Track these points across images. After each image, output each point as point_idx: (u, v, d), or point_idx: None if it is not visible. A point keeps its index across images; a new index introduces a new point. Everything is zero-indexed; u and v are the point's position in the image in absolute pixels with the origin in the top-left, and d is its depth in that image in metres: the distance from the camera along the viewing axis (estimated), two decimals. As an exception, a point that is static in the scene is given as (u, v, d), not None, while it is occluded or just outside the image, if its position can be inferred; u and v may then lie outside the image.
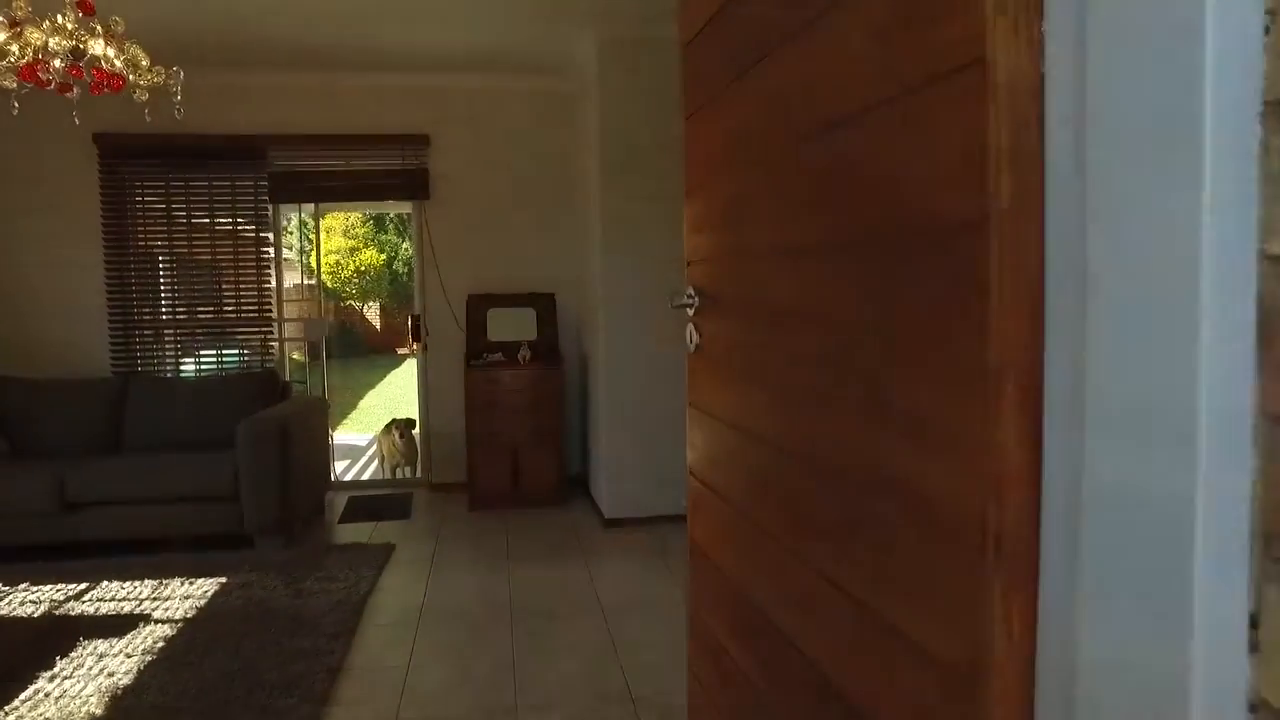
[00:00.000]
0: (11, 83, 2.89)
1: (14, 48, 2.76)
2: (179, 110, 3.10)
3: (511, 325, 5.28)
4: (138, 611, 3.57)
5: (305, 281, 16.50)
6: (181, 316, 5.36)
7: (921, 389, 0.86)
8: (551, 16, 4.32)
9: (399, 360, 16.29)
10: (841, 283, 1.00)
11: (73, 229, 5.11)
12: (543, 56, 5.01)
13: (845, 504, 1.02)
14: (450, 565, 4.12)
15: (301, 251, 13.22)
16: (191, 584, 3.85)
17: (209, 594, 3.72)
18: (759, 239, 1.25)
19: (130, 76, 2.86)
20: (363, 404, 11.78)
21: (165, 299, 5.34)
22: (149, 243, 5.25)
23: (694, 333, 1.54)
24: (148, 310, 5.28)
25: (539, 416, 5.03)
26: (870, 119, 0.92)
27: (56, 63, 2.78)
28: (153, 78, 2.99)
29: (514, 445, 5.03)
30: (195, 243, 5.32)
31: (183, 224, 5.27)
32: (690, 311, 1.53)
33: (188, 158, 5.13)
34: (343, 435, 8.97)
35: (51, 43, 2.64)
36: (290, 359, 5.97)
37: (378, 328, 19.05)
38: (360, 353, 17.93)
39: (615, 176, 4.55)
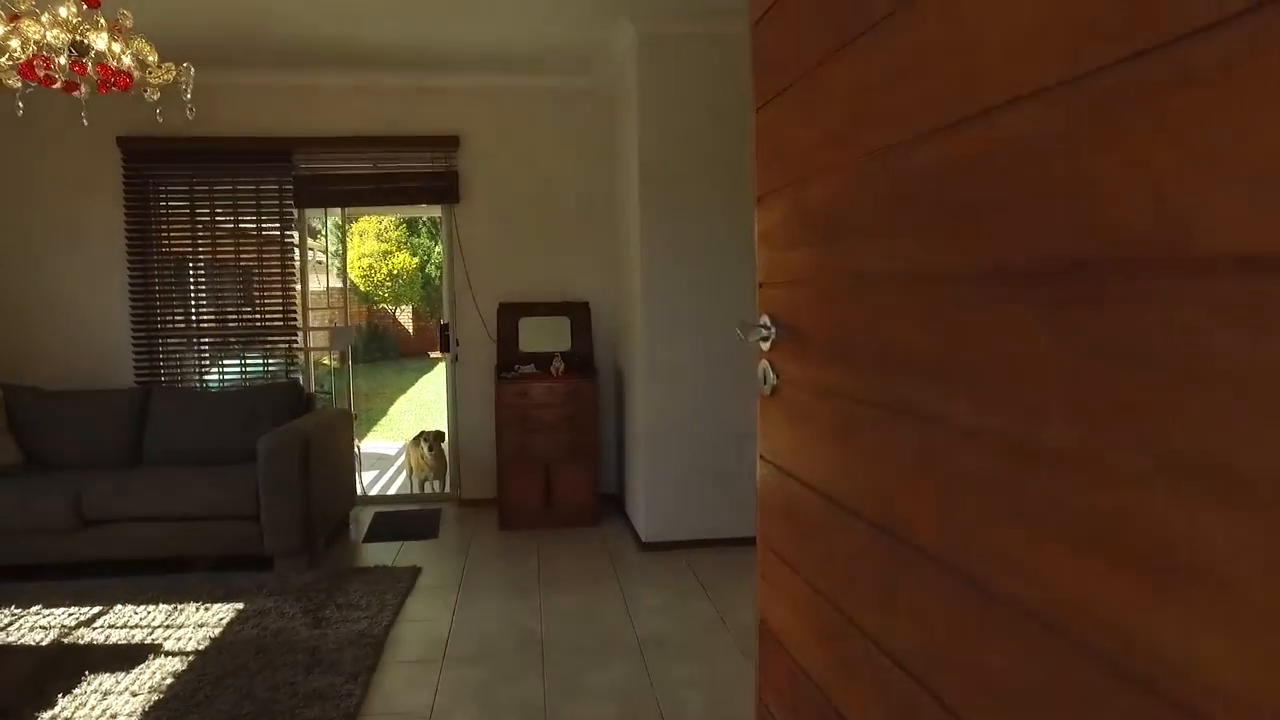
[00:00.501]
0: (15, 81, 2.70)
1: (14, 43, 2.56)
2: (190, 110, 2.89)
3: (544, 335, 5.03)
4: (149, 641, 3.37)
5: (337, 284, 16.54)
6: (205, 324, 5.19)
7: (1208, 514, 0.54)
8: (588, 11, 4.06)
9: (431, 364, 16.19)
10: (1026, 329, 0.70)
11: (96, 235, 4.97)
12: (578, 53, 4.76)
13: (1016, 656, 0.72)
14: (478, 592, 3.88)
15: (333, 254, 13.11)
16: (207, 610, 3.65)
17: (224, 622, 3.51)
18: (869, 260, 0.96)
19: (137, 74, 2.65)
20: (393, 410, 11.65)
21: (189, 306, 5.17)
22: (173, 249, 5.09)
23: (769, 370, 1.26)
24: (171, 318, 5.12)
25: (573, 432, 4.78)
26: (1096, 88, 0.62)
27: (61, 59, 2.58)
28: (163, 75, 2.78)
29: (546, 462, 4.78)
30: (219, 248, 5.15)
31: (206, 229, 5.10)
32: (765, 345, 1.25)
33: (212, 161, 4.96)
34: (372, 443, 8.81)
35: (49, 36, 2.43)
36: (319, 364, 5.77)
37: (410, 331, 19.01)
38: (392, 356, 17.89)
39: (655, 179, 4.28)
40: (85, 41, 2.54)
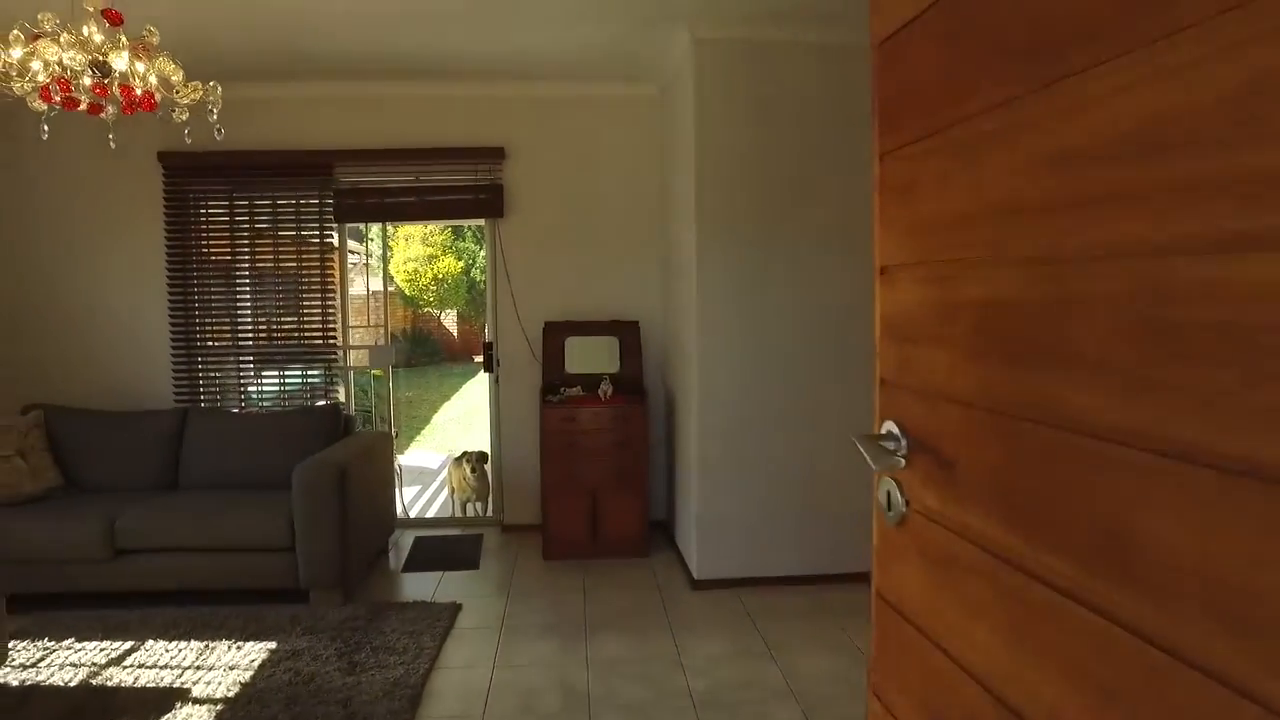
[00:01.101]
0: (39, 104, 2.55)
1: (34, 65, 2.40)
2: (219, 130, 2.71)
3: (592, 356, 4.80)
4: (177, 684, 3.21)
5: (379, 288, 16.57)
6: (245, 341, 5.06)
7: None
8: (641, 16, 3.81)
9: (475, 368, 16.10)
10: None
11: (137, 252, 4.88)
12: (630, 61, 4.52)
13: None
14: (521, 634, 3.65)
15: (379, 258, 13.09)
16: (239, 649, 3.49)
17: (255, 664, 3.34)
18: (1083, 408, 0.69)
19: (158, 95, 2.47)
20: (437, 418, 11.55)
21: (229, 323, 5.05)
22: (212, 265, 4.98)
23: (896, 493, 0.99)
24: (210, 335, 5.01)
25: (621, 459, 4.53)
26: None
27: (86, 80, 2.42)
28: (190, 94, 2.61)
29: (593, 489, 4.55)
30: (259, 264, 5.02)
31: (246, 245, 4.98)
32: (901, 461, 0.97)
33: (251, 175, 4.83)
34: (414, 456, 8.69)
35: (66, 58, 2.26)
36: (360, 369, 5.62)
37: (455, 335, 18.99)
38: (437, 361, 17.88)
39: (711, 193, 4.01)
40: (106, 62, 2.36)
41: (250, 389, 5.14)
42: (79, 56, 2.29)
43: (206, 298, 4.96)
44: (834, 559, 4.19)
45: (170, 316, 4.89)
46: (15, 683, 3.28)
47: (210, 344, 5.00)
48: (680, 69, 4.29)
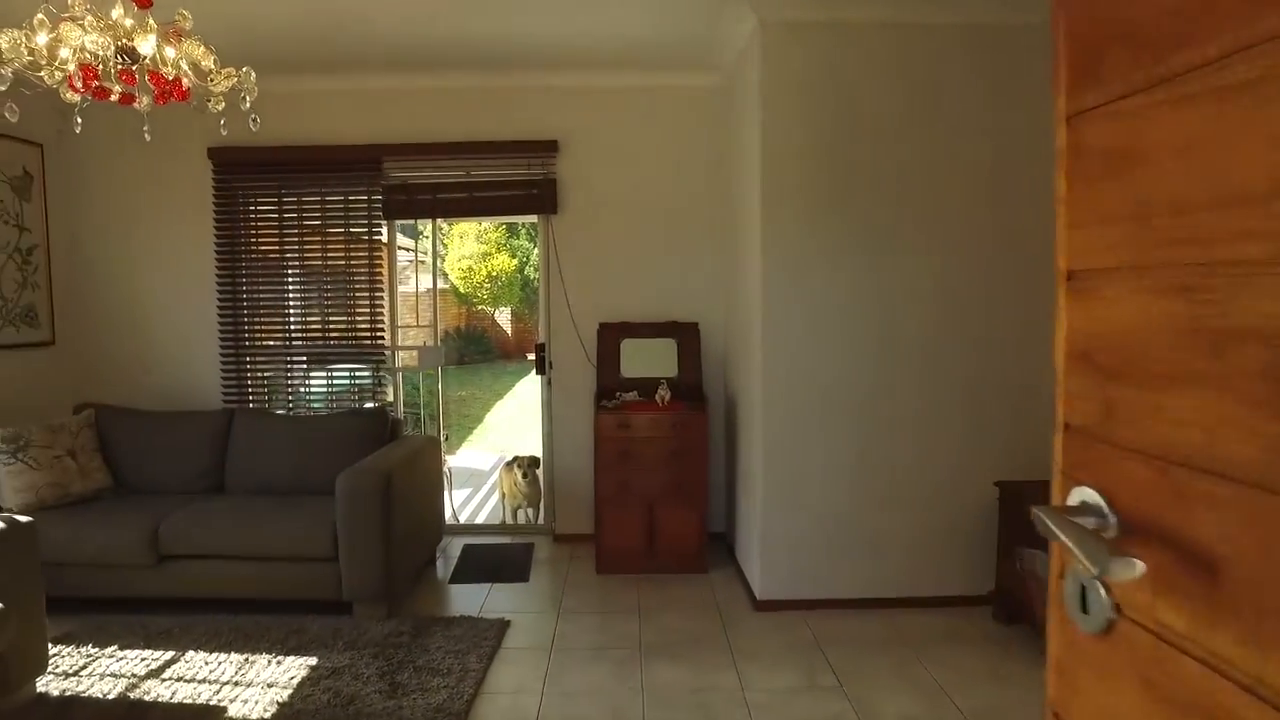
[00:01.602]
0: (73, 95, 2.41)
1: (63, 52, 2.25)
2: (254, 120, 2.54)
3: (649, 359, 4.56)
4: (215, 700, 3.07)
5: (431, 286, 16.60)
6: (292, 342, 4.96)
7: None
8: (704, -6, 3.55)
9: (528, 367, 16.03)
10: None
11: (188, 250, 4.81)
12: (690, 47, 4.26)
13: None
14: (572, 657, 3.43)
15: (427, 254, 13.08)
16: (279, 664, 3.34)
17: (294, 682, 3.18)
18: None
19: (186, 81, 2.30)
20: (489, 418, 11.44)
21: (276, 324, 4.95)
22: (261, 264, 4.88)
23: (1101, 593, 0.71)
24: (258, 335, 4.91)
25: (679, 469, 4.28)
26: None
27: (109, 65, 2.26)
28: (222, 81, 2.44)
29: (649, 499, 4.31)
30: (307, 263, 4.90)
31: (294, 243, 4.86)
32: (1104, 549, 0.68)
33: (299, 170, 4.72)
34: (465, 457, 8.57)
35: (88, 41, 2.10)
36: (408, 367, 5.46)
37: (509, 333, 18.98)
38: (490, 358, 17.88)
39: (779, 188, 3.72)
40: (133, 47, 2.20)
41: (298, 389, 5.04)
42: (103, 40, 2.13)
43: (255, 296, 4.87)
44: (910, 581, 3.87)
45: (219, 315, 4.81)
46: (56, 692, 3.20)
47: (258, 343, 4.91)
48: (745, 55, 4.01)
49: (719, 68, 4.54)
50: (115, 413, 4.46)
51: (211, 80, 2.46)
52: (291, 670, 3.28)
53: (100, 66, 2.25)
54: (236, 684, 3.20)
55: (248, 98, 2.45)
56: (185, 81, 2.29)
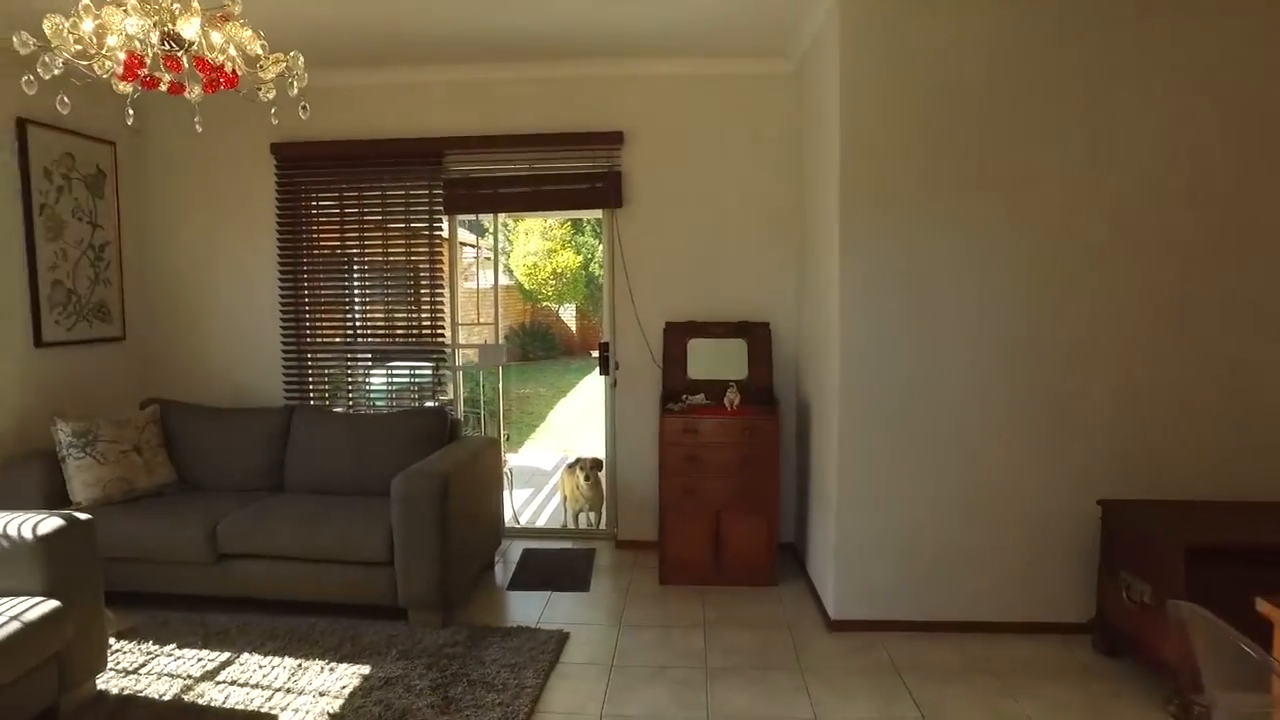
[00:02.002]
0: (126, 86, 2.33)
1: (111, 40, 2.16)
2: (304, 108, 2.42)
3: (717, 361, 4.35)
4: (266, 707, 3.00)
5: (504, 281, 16.76)
6: (352, 339, 4.90)
7: None
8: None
9: (592, 364, 15.97)
10: None
11: (252, 246, 4.81)
12: (761, 30, 4.03)
13: None
14: (632, 677, 3.24)
15: (500, 251, 13.14)
16: (331, 671, 3.25)
17: (346, 691, 3.08)
18: None
19: (231, 65, 2.19)
20: (552, 416, 11.37)
21: (336, 320, 4.90)
22: (323, 259, 4.84)
23: None
24: (319, 332, 4.88)
25: (749, 476, 4.05)
26: None
27: (152, 47, 2.16)
28: (272, 66, 2.32)
29: (716, 508, 4.09)
30: (368, 258, 4.83)
31: (355, 238, 4.81)
32: None
33: (359, 165, 4.65)
34: (527, 456, 8.49)
35: (129, 25, 2.00)
36: (469, 361, 5.37)
37: (573, 330, 18.97)
38: (554, 355, 17.89)
39: (858, 180, 3.46)
40: (177, 32, 2.10)
41: (358, 387, 4.98)
42: (144, 23, 2.02)
43: (316, 292, 4.83)
44: (997, 604, 3.56)
45: (280, 311, 4.80)
46: (115, 690, 3.17)
47: (319, 340, 4.88)
48: (821, 36, 3.76)
49: (792, 52, 4.29)
50: (180, 408, 4.47)
51: (261, 67, 2.35)
52: (344, 679, 3.18)
53: (146, 52, 2.15)
54: (289, 690, 3.12)
55: (295, 83, 2.33)
56: (230, 66, 2.17)
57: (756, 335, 4.38)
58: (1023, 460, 3.50)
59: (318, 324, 4.86)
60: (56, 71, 2.21)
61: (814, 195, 4.06)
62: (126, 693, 3.15)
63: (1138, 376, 3.43)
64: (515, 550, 4.75)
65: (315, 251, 4.81)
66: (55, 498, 3.91)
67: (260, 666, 3.31)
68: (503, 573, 4.41)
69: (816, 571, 4.02)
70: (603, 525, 5.04)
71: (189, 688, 3.16)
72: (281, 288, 4.79)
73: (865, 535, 3.58)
